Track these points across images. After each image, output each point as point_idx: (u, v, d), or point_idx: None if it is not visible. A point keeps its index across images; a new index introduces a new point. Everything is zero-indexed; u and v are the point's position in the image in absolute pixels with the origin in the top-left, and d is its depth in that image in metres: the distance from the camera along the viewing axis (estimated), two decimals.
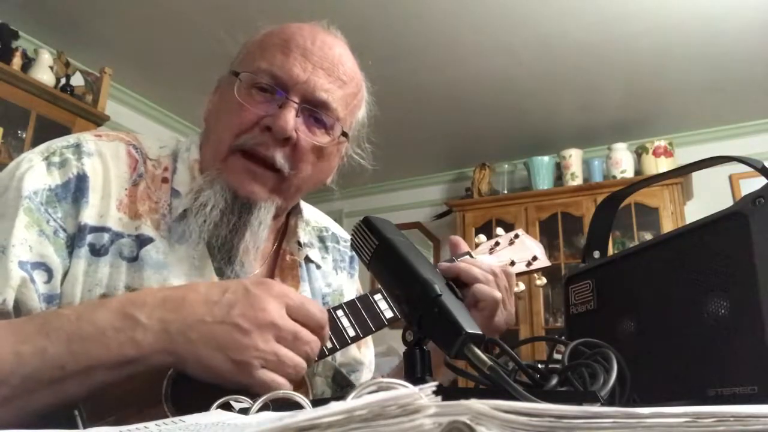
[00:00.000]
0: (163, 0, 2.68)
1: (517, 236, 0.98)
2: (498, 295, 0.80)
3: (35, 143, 2.55)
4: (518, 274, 0.93)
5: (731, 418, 0.27)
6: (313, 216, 0.98)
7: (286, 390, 0.58)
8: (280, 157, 0.76)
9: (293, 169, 0.78)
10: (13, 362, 0.54)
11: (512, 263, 0.93)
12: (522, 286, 0.94)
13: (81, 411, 0.56)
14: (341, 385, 0.88)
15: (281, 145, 0.76)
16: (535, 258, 0.96)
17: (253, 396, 0.45)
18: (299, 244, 0.90)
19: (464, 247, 0.92)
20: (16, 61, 2.61)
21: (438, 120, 3.70)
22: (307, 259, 0.91)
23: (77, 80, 2.89)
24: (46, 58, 2.75)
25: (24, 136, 2.64)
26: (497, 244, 0.96)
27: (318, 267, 0.93)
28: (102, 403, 0.57)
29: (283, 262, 0.88)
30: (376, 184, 4.53)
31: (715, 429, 0.26)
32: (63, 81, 2.79)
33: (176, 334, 0.57)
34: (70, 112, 2.76)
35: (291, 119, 0.75)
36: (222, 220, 0.75)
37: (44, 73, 2.71)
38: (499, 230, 1.00)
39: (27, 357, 0.55)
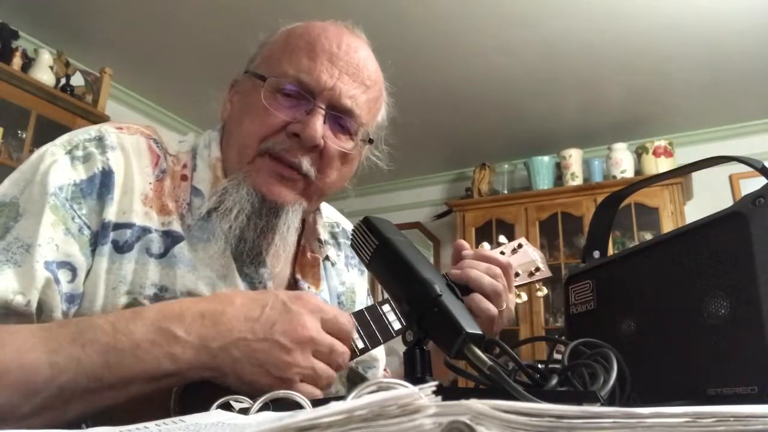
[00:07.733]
0: (163, 0, 2.68)
1: (520, 246, 0.99)
2: (500, 287, 0.80)
3: (35, 143, 2.57)
4: (520, 285, 0.95)
5: (731, 418, 0.27)
6: (325, 211, 0.97)
7: None
8: (306, 163, 0.76)
9: (320, 173, 0.78)
10: (48, 372, 0.53)
11: (516, 274, 0.94)
12: (524, 297, 0.96)
13: (88, 425, 0.56)
14: (354, 383, 0.89)
15: (309, 152, 0.76)
16: (537, 269, 0.97)
17: (254, 396, 0.45)
18: (320, 241, 0.89)
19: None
20: (16, 61, 2.62)
21: (438, 120, 3.69)
22: (325, 258, 0.91)
23: (77, 80, 2.89)
24: (46, 58, 2.75)
25: (24, 136, 2.63)
26: (501, 253, 0.97)
27: (333, 264, 0.93)
28: (107, 420, 0.56)
29: (304, 259, 0.87)
30: (376, 184, 4.52)
31: (715, 429, 0.26)
32: (63, 81, 2.79)
33: (218, 350, 0.57)
34: (70, 112, 2.76)
35: (320, 127, 0.75)
36: (249, 225, 0.75)
37: (44, 73, 2.71)
38: (502, 238, 1.01)
39: (62, 367, 0.54)
